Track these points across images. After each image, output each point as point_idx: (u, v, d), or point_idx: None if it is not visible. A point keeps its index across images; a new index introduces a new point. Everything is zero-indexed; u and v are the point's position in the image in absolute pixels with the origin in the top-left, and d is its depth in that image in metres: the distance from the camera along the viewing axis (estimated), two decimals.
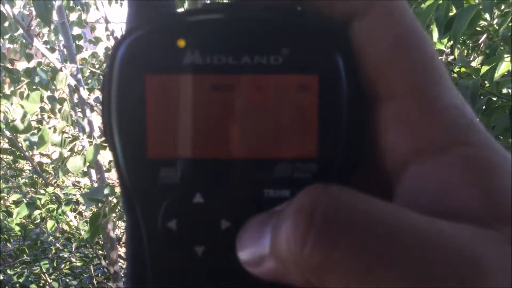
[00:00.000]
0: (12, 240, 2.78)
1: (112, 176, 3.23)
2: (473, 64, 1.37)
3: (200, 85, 0.21)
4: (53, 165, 2.75)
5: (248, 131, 0.22)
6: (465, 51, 1.48)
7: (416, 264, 0.16)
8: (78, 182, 3.18)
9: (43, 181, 2.79)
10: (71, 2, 2.57)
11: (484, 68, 1.13)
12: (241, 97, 0.21)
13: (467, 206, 0.18)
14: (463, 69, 1.25)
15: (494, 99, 1.18)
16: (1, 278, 2.58)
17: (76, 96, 2.41)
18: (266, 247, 0.18)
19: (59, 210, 2.44)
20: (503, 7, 1.23)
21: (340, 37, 0.21)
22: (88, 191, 2.50)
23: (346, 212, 0.17)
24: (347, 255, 0.16)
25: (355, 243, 0.16)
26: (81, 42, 2.87)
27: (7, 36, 2.54)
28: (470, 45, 1.47)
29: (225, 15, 0.22)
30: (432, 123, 0.20)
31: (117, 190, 2.31)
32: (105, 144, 2.14)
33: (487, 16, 1.11)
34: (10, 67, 2.49)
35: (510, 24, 1.16)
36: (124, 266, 2.85)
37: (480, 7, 0.98)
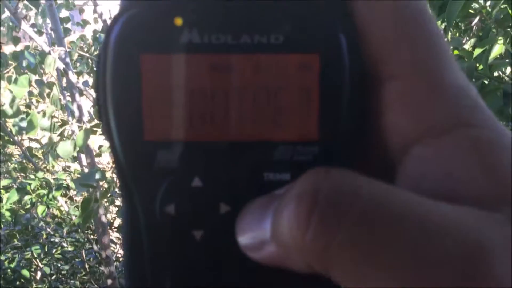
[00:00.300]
0: (2, 226, 2.77)
1: (103, 161, 3.22)
2: (466, 46, 1.37)
3: (198, 65, 0.21)
4: (42, 150, 2.73)
5: (248, 113, 0.21)
6: (457, 34, 1.48)
7: (419, 248, 0.16)
8: (69, 167, 3.17)
9: (33, 166, 2.77)
10: None
11: (477, 51, 1.13)
12: (240, 77, 0.21)
13: (470, 188, 0.18)
14: (456, 52, 1.25)
15: (487, 82, 1.19)
16: None
17: (64, 80, 2.39)
18: (266, 231, 0.18)
19: (50, 195, 2.43)
20: None
21: (342, 16, 0.21)
22: (79, 176, 2.49)
23: (348, 196, 0.16)
24: (350, 239, 0.16)
25: (358, 227, 0.16)
26: (69, 25, 2.83)
27: None
28: (463, 27, 1.47)
29: None
30: (435, 104, 0.19)
31: (108, 175, 2.30)
32: (95, 129, 2.13)
33: None
34: None
35: (503, 6, 1.15)
36: (115, 251, 2.86)
37: None
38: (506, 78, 1.37)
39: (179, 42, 0.21)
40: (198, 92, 0.21)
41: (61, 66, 2.13)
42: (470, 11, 1.28)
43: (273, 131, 0.21)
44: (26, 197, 2.44)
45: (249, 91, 0.21)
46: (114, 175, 2.28)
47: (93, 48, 2.95)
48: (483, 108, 0.20)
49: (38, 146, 3.01)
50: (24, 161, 2.90)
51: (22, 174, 2.83)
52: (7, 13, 2.32)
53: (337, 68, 0.21)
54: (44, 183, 2.51)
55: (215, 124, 0.21)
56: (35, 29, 2.57)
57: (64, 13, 2.74)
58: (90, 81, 2.55)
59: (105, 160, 3.35)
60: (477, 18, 1.34)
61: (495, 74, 1.27)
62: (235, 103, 0.21)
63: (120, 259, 2.87)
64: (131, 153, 0.21)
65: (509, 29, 1.15)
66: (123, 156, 0.21)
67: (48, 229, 2.87)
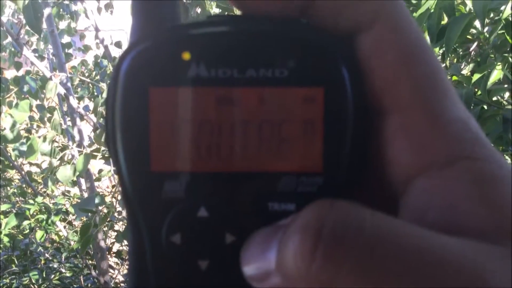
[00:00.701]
0: (1, 251, 2.75)
1: (102, 186, 3.21)
2: (464, 72, 1.38)
3: (205, 98, 0.21)
4: (42, 175, 2.72)
5: (253, 144, 0.22)
6: (456, 59, 1.49)
7: (422, 281, 0.16)
8: (68, 191, 3.15)
9: (32, 191, 2.76)
10: (61, 10, 2.55)
11: (476, 76, 1.13)
12: (246, 110, 0.21)
13: (472, 220, 0.18)
14: (454, 78, 1.26)
15: (486, 107, 1.19)
16: None
17: (65, 104, 2.39)
18: (271, 262, 0.18)
19: (49, 220, 2.41)
20: (492, 15, 1.24)
21: (345, 50, 0.21)
22: (78, 200, 2.48)
23: (353, 229, 0.17)
24: (354, 272, 0.16)
25: (363, 260, 0.16)
26: (71, 50, 2.86)
27: None
28: (461, 53, 1.48)
29: (229, 27, 0.22)
30: (438, 136, 0.20)
31: (108, 199, 2.29)
32: (95, 154, 2.13)
33: (477, 24, 1.12)
34: None
35: (500, 32, 1.16)
36: (114, 276, 2.83)
37: (474, 14, 0.99)
38: (505, 103, 1.37)
39: (187, 76, 0.21)
40: (205, 124, 0.21)
41: (62, 91, 2.14)
42: (468, 37, 1.29)
43: (277, 162, 0.22)
44: (25, 222, 2.43)
45: (254, 123, 0.21)
46: (114, 200, 2.27)
47: (94, 73, 2.97)
48: (484, 141, 0.20)
49: (38, 170, 3.00)
50: (24, 185, 2.89)
51: (21, 198, 2.82)
52: (9, 39, 2.34)
53: (340, 101, 0.21)
54: (43, 208, 2.49)
55: (221, 155, 0.22)
56: (37, 54, 2.59)
57: (65, 39, 2.77)
58: (91, 105, 2.56)
59: (105, 185, 3.34)
60: (475, 43, 1.35)
61: (494, 99, 1.28)
62: (241, 135, 0.21)
63: (119, 285, 2.83)
64: (138, 183, 0.22)
65: (507, 55, 1.16)
66: (130, 185, 0.22)
67: (47, 255, 2.85)
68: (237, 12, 0.23)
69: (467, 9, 1.17)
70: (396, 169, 0.21)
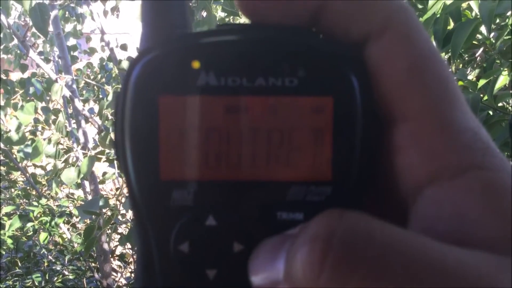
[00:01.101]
0: (4, 253, 2.75)
1: (106, 188, 3.22)
2: (470, 77, 1.38)
3: (214, 107, 0.21)
4: (47, 177, 2.73)
5: (262, 153, 0.22)
6: (462, 65, 1.49)
7: None
8: (72, 194, 3.16)
9: (37, 193, 2.76)
10: (67, 12, 2.57)
11: (482, 82, 1.13)
12: (255, 119, 0.21)
13: (482, 231, 0.18)
14: (460, 83, 1.26)
15: (491, 113, 1.19)
16: None
17: (70, 107, 2.40)
18: (280, 271, 0.18)
19: (52, 222, 2.42)
20: (497, 20, 1.24)
21: (355, 59, 0.21)
22: (82, 203, 2.48)
23: (363, 240, 0.16)
24: (364, 284, 0.16)
25: (372, 271, 0.16)
26: (76, 53, 2.87)
27: (1, 47, 2.53)
28: (467, 58, 1.48)
29: (239, 36, 0.22)
30: (448, 146, 0.20)
31: (111, 202, 2.30)
32: (100, 156, 2.13)
33: (483, 30, 1.12)
34: (4, 77, 2.48)
35: (506, 37, 1.16)
36: (117, 279, 2.83)
37: (480, 20, 0.99)
38: (511, 109, 1.37)
39: (196, 85, 0.21)
40: (214, 132, 0.22)
41: (68, 93, 2.14)
42: (474, 42, 1.29)
43: (286, 171, 0.22)
44: (29, 224, 2.43)
45: (263, 132, 0.21)
46: (118, 203, 2.27)
47: (99, 75, 2.98)
48: (494, 151, 0.20)
49: (43, 172, 3.01)
50: (28, 187, 2.90)
51: (25, 200, 2.82)
52: (15, 41, 2.35)
53: (350, 110, 0.21)
54: (47, 210, 2.50)
55: (230, 164, 0.22)
56: (43, 57, 2.60)
57: (71, 41, 2.78)
58: (96, 108, 2.57)
59: (109, 188, 3.34)
60: (481, 49, 1.35)
61: (500, 105, 1.28)
62: (250, 144, 0.22)
63: None
64: (147, 191, 0.22)
65: None
66: (139, 194, 0.22)
67: (50, 257, 2.85)
68: (246, 19, 0.23)
69: (473, 14, 1.17)
70: (405, 179, 0.21)
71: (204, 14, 1.60)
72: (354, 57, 0.21)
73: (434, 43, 1.14)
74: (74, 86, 2.26)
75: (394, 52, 0.21)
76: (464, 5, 1.16)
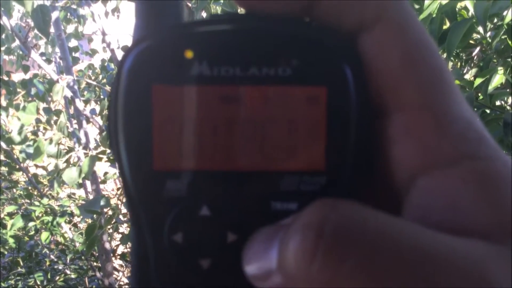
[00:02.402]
0: (6, 252, 2.76)
1: (107, 188, 3.22)
2: (466, 76, 1.39)
3: (207, 97, 0.21)
4: (48, 177, 2.74)
5: (255, 143, 0.21)
6: (458, 64, 1.49)
7: (424, 282, 0.16)
8: (73, 193, 3.16)
9: (38, 193, 2.77)
10: (68, 14, 2.58)
11: (478, 81, 1.14)
12: (249, 109, 0.21)
13: (476, 220, 0.18)
14: (457, 82, 1.26)
15: (488, 111, 1.20)
16: None
17: (72, 107, 2.41)
18: (273, 261, 0.18)
19: (54, 222, 2.43)
20: (495, 20, 1.25)
21: (348, 49, 0.21)
22: (83, 202, 2.49)
23: (355, 228, 0.16)
24: (356, 271, 0.16)
25: (364, 259, 0.16)
26: (78, 54, 2.88)
27: (3, 48, 2.54)
28: (463, 57, 1.48)
29: (233, 26, 0.22)
30: (442, 136, 0.20)
31: (113, 201, 2.30)
32: (101, 156, 2.14)
33: (480, 29, 1.13)
34: (6, 78, 2.49)
35: (503, 37, 1.17)
36: (118, 278, 2.83)
37: (474, 20, 1.00)
38: (508, 108, 1.37)
39: (190, 74, 0.21)
40: (207, 122, 0.21)
41: (69, 94, 2.15)
42: (471, 41, 1.30)
43: (280, 161, 0.22)
44: (31, 224, 2.44)
45: (257, 122, 0.21)
46: (119, 202, 2.28)
47: (100, 76, 2.99)
48: (488, 140, 0.20)
49: (44, 172, 3.02)
50: (30, 188, 2.91)
51: (27, 200, 2.83)
52: (17, 42, 2.36)
53: (343, 100, 0.21)
54: (48, 209, 2.51)
55: (223, 154, 0.22)
56: (44, 58, 2.61)
57: (73, 43, 2.79)
58: (97, 108, 2.58)
59: (110, 187, 3.35)
60: (478, 48, 1.36)
61: (497, 103, 1.28)
62: (243, 134, 0.21)
63: (123, 287, 2.84)
64: (140, 181, 0.22)
65: (509, 59, 1.17)
66: (132, 184, 0.22)
67: (52, 256, 2.86)
68: (241, 11, 0.23)
69: (469, 14, 1.18)
70: (399, 169, 0.21)
71: (204, 14, 1.61)
72: (348, 47, 0.21)
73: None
74: (76, 87, 2.26)
75: (388, 42, 0.20)
76: (460, 5, 1.17)
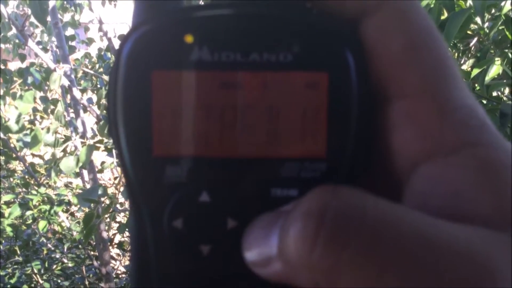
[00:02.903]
0: (3, 241, 2.77)
1: (104, 177, 3.23)
2: (464, 67, 1.39)
3: (208, 82, 0.21)
4: (46, 166, 2.74)
5: (256, 129, 0.21)
6: (456, 54, 1.50)
7: (426, 269, 0.16)
8: (70, 183, 3.17)
9: (35, 182, 2.77)
10: (65, 2, 2.56)
11: (475, 71, 1.14)
12: (249, 94, 0.21)
13: (478, 208, 0.18)
14: None
15: (485, 102, 1.20)
16: None
17: (69, 96, 2.41)
18: (273, 248, 0.18)
19: (51, 211, 2.43)
20: (493, 10, 1.25)
21: (350, 35, 0.21)
22: (80, 191, 2.50)
23: (356, 215, 0.16)
24: (357, 258, 0.16)
25: (365, 246, 0.16)
26: (74, 43, 2.86)
27: (0, 36, 2.53)
28: (461, 48, 1.48)
29: (233, 11, 0.21)
30: (443, 123, 0.20)
31: (110, 191, 2.31)
32: (98, 145, 2.14)
33: (478, 19, 1.13)
34: (2, 67, 2.48)
35: (500, 27, 1.17)
36: (115, 267, 2.85)
37: (472, 11, 1.00)
38: (505, 99, 1.38)
39: (190, 59, 0.21)
40: (207, 108, 0.21)
41: (66, 83, 2.15)
42: (468, 32, 1.30)
43: (280, 148, 0.21)
44: (28, 212, 2.44)
45: (257, 108, 0.21)
46: (116, 191, 2.29)
47: (97, 65, 2.98)
48: (490, 128, 0.20)
49: (41, 161, 3.02)
50: (27, 176, 2.91)
51: (24, 189, 2.83)
52: (13, 31, 2.35)
53: (345, 86, 0.21)
54: (45, 198, 2.51)
55: (223, 140, 0.21)
56: (41, 46, 2.60)
57: (69, 31, 2.78)
58: (94, 98, 2.58)
59: (107, 177, 3.35)
60: (475, 39, 1.36)
61: (494, 94, 1.29)
62: (244, 120, 0.21)
63: (120, 276, 2.85)
64: (140, 168, 0.22)
65: (506, 50, 1.17)
66: (132, 170, 0.22)
67: (49, 245, 2.86)
68: None
69: (467, 4, 1.18)
70: (401, 156, 0.21)
71: (201, 1, 1.60)
72: (350, 33, 0.21)
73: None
74: (73, 75, 2.26)
75: (390, 28, 0.20)
76: None
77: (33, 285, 2.69)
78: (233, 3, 0.22)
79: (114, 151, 2.12)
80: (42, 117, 2.53)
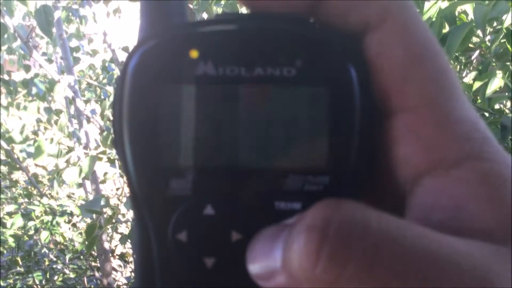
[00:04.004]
0: (5, 251, 2.76)
1: (107, 188, 3.23)
2: (466, 80, 1.39)
3: (212, 96, 0.21)
4: (48, 176, 2.74)
5: (260, 143, 0.22)
6: (458, 67, 1.50)
7: (428, 283, 0.16)
8: (73, 193, 3.17)
9: (38, 192, 2.78)
10: (70, 14, 2.58)
11: (476, 84, 1.14)
12: (253, 108, 0.21)
13: (479, 221, 0.18)
14: None
15: (486, 115, 1.20)
16: None
17: (72, 107, 2.42)
18: (277, 261, 0.18)
19: (54, 221, 2.43)
20: (495, 24, 1.26)
21: (353, 49, 0.21)
22: (83, 202, 2.50)
23: (359, 230, 0.17)
24: (360, 273, 0.16)
25: (368, 261, 0.16)
26: (79, 54, 2.88)
27: (4, 47, 2.54)
28: (463, 61, 1.49)
29: (238, 26, 0.22)
30: (445, 136, 0.20)
31: (112, 202, 2.31)
32: (101, 156, 2.15)
33: (479, 33, 1.13)
34: (7, 78, 2.50)
35: (502, 41, 1.18)
36: (117, 278, 2.84)
37: (473, 24, 1.00)
38: (507, 111, 1.38)
39: (195, 74, 0.21)
40: (212, 122, 0.21)
41: (70, 94, 2.16)
42: (470, 45, 1.30)
43: (284, 161, 0.22)
44: (30, 223, 2.44)
45: (261, 122, 0.21)
46: (119, 202, 2.29)
47: (101, 76, 3.00)
48: (492, 141, 0.20)
49: (44, 172, 3.02)
50: (30, 187, 2.91)
51: (26, 200, 2.83)
52: (18, 42, 2.37)
53: (347, 100, 0.21)
54: (48, 209, 2.51)
55: (228, 153, 0.22)
56: (46, 58, 2.62)
57: (74, 43, 2.79)
58: (98, 109, 2.58)
59: (109, 187, 3.35)
60: (477, 52, 1.36)
61: (496, 107, 1.29)
62: (248, 133, 0.22)
63: (121, 287, 2.84)
64: (145, 180, 0.22)
65: (508, 63, 1.17)
66: (137, 183, 0.22)
67: (51, 256, 2.86)
68: (246, 10, 0.23)
69: (469, 18, 1.19)
70: (403, 169, 0.21)
71: (205, 16, 1.62)
72: (353, 47, 0.21)
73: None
74: (76, 86, 2.27)
75: (392, 42, 0.20)
76: (460, 9, 1.18)
77: None
78: (238, 18, 0.22)
79: (116, 162, 2.12)
80: (45, 128, 2.53)
